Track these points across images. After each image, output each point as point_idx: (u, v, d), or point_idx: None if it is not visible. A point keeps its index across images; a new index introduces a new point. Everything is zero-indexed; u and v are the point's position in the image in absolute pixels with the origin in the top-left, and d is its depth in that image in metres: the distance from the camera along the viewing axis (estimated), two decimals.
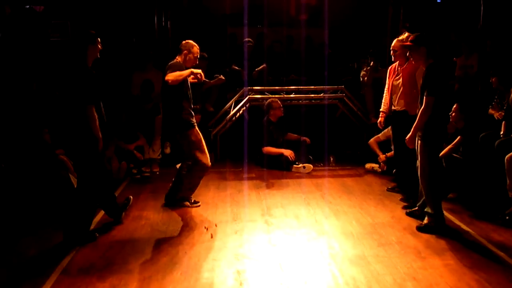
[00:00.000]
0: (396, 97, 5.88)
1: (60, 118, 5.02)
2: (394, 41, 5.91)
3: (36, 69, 6.87)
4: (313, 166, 7.68)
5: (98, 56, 4.87)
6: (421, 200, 5.23)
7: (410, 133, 5.00)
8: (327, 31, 10.08)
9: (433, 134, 4.90)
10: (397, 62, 5.91)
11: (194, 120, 5.62)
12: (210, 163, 5.73)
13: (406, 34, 5.70)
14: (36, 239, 4.79)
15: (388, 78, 6.05)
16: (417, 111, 5.08)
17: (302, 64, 9.27)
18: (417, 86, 5.49)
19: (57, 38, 8.19)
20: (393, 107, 5.98)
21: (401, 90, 5.80)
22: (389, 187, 6.46)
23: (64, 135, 4.99)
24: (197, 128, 5.64)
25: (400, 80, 5.80)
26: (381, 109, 6.23)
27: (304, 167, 7.61)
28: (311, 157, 7.94)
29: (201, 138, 5.63)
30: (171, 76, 5.21)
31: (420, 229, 5.06)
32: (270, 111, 8.03)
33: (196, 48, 5.56)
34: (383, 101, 6.19)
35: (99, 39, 4.82)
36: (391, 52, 5.92)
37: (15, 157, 5.82)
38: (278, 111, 7.99)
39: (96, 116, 4.65)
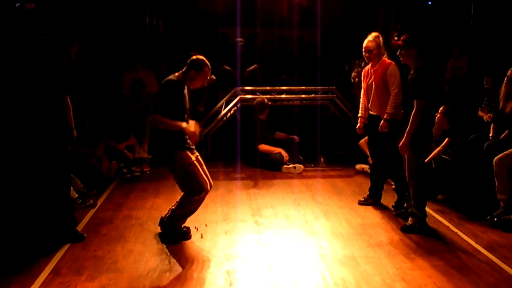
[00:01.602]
0: (370, 101, 5.73)
1: (30, 110, 4.97)
2: (366, 41, 5.61)
3: (25, 67, 6.83)
4: (304, 167, 7.70)
5: (73, 57, 4.82)
6: (410, 201, 5.27)
7: (404, 139, 4.96)
8: (319, 32, 10.09)
9: (419, 137, 4.93)
10: (369, 65, 5.71)
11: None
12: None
13: (374, 34, 5.60)
14: (25, 238, 4.76)
15: (363, 81, 5.85)
16: (393, 115, 5.17)
17: (294, 65, 9.28)
18: (388, 88, 5.47)
19: (47, 36, 8.15)
20: (369, 112, 5.79)
21: (373, 93, 5.63)
22: (361, 200, 6.06)
23: (34, 127, 4.88)
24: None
25: (372, 83, 5.63)
26: (359, 115, 6.02)
27: (294, 167, 7.62)
28: (301, 158, 7.96)
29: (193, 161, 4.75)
30: (159, 124, 4.55)
31: (404, 229, 5.11)
32: (261, 109, 8.08)
33: (208, 68, 4.71)
34: (360, 106, 6.00)
35: (77, 41, 4.80)
36: (365, 53, 5.62)
37: (6, 156, 5.78)
38: (267, 109, 8.06)
39: (71, 106, 4.62)
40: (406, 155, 5.06)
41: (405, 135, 4.95)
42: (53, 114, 4.60)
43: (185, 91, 4.71)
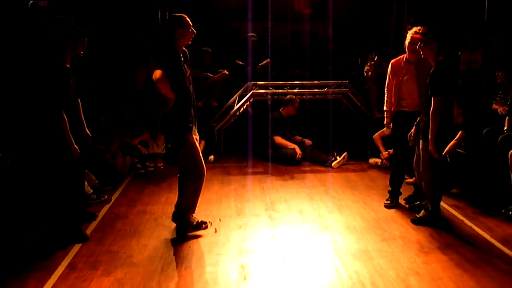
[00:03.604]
0: (408, 97, 5.42)
1: (29, 119, 4.94)
2: (412, 33, 5.15)
3: (38, 64, 6.90)
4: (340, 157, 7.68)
5: (81, 54, 4.65)
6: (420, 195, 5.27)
7: (430, 141, 4.77)
8: (331, 26, 10.06)
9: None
10: (402, 57, 5.48)
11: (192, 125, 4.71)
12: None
13: (419, 27, 5.13)
14: (42, 234, 4.82)
15: (393, 74, 5.55)
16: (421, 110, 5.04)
17: (306, 59, 9.27)
18: None
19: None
20: (400, 108, 5.50)
21: (416, 90, 5.34)
22: (388, 203, 5.75)
23: (33, 138, 4.86)
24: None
25: (415, 79, 5.35)
26: (385, 109, 5.76)
27: (344, 157, 7.64)
28: (336, 152, 7.86)
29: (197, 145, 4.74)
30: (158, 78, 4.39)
31: (414, 221, 5.12)
32: (289, 105, 8.06)
33: (188, 20, 4.50)
34: (386, 99, 5.72)
35: (86, 38, 4.61)
36: (409, 45, 5.26)
37: (20, 153, 5.84)
38: (293, 109, 8.02)
39: (66, 120, 4.43)
40: (422, 153, 4.99)
41: (430, 137, 4.76)
42: (50, 128, 4.51)
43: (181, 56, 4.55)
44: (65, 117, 4.44)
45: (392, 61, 5.65)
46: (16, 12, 7.38)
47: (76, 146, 4.53)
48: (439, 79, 4.72)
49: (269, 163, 7.81)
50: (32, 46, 6.73)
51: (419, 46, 4.90)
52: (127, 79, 8.37)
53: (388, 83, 5.68)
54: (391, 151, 7.29)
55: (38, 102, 4.64)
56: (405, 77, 5.45)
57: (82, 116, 4.93)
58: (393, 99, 5.59)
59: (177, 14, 4.55)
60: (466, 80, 7.86)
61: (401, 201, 5.80)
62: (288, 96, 8.16)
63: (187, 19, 4.51)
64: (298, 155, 7.73)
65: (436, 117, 4.73)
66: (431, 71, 4.83)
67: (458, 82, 5.35)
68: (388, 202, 5.75)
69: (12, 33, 6.90)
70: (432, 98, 4.73)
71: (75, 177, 4.73)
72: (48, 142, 4.64)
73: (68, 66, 4.53)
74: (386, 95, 5.74)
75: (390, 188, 5.81)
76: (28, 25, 7.32)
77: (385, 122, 5.83)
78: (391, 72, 5.61)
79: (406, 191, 5.92)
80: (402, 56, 5.54)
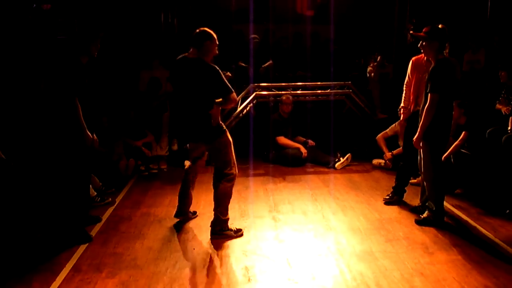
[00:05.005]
0: (421, 95, 5.25)
1: (45, 111, 5.03)
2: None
3: (43, 68, 6.92)
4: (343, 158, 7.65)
5: (95, 55, 4.76)
6: (424, 196, 5.25)
7: (417, 133, 4.89)
8: (333, 27, 10.06)
9: (435, 131, 4.85)
10: (423, 55, 5.35)
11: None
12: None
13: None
14: (46, 236, 4.82)
15: (412, 71, 5.52)
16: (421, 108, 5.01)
17: (308, 60, 9.26)
18: None
19: (64, 36, 8.25)
20: (418, 107, 5.37)
21: None
22: (387, 198, 5.84)
23: (49, 129, 4.95)
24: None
25: None
26: (402, 105, 5.68)
27: (347, 158, 7.62)
28: (339, 153, 7.85)
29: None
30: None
31: (419, 222, 5.11)
32: (279, 105, 8.09)
33: (214, 37, 4.85)
34: (404, 96, 5.65)
35: (99, 39, 4.74)
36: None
37: (25, 155, 5.85)
38: (285, 106, 8.02)
39: (80, 107, 4.52)
40: (422, 153, 5.01)
41: (418, 130, 4.89)
42: (65, 116, 4.57)
43: None
44: (79, 105, 4.51)
45: (413, 58, 5.61)
46: (19, 15, 7.41)
47: (89, 133, 4.62)
48: (437, 76, 4.75)
49: (271, 165, 7.80)
50: (38, 48, 6.77)
51: (421, 44, 4.93)
52: (131, 80, 8.38)
53: (407, 80, 5.65)
54: (394, 152, 7.29)
55: (52, 94, 4.72)
56: (425, 74, 5.28)
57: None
58: (411, 97, 5.54)
59: (204, 29, 4.78)
60: (469, 80, 7.86)
61: (406, 202, 5.78)
62: (283, 96, 8.19)
63: (215, 36, 4.80)
64: (303, 154, 7.72)
65: (429, 114, 4.77)
66: (431, 68, 4.85)
67: (458, 82, 5.26)
68: (388, 197, 5.79)
69: (16, 36, 6.94)
70: (429, 95, 4.75)
71: (81, 179, 4.75)
72: (62, 134, 4.65)
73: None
74: (404, 92, 5.69)
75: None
76: (32, 28, 7.35)
77: (401, 118, 5.76)
78: (411, 69, 5.58)
79: (410, 191, 5.92)
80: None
